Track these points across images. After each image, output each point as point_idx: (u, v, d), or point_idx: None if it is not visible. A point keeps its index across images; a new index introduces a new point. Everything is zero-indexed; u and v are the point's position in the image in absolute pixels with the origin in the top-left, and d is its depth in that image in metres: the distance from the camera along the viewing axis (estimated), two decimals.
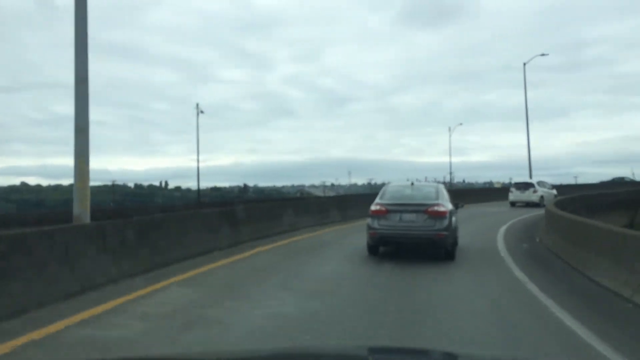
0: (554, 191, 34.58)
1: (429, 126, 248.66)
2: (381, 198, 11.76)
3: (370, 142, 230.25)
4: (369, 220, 11.49)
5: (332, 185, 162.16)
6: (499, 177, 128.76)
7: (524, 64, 43.21)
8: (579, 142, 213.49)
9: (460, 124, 63.78)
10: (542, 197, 31.18)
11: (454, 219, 11.36)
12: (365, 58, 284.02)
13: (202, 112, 53.85)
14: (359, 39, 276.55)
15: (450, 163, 78.68)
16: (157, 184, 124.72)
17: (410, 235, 11.06)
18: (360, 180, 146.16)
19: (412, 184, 12.38)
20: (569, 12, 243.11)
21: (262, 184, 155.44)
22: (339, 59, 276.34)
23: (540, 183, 34.00)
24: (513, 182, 36.30)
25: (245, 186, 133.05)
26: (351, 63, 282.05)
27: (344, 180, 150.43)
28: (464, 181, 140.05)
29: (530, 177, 32.85)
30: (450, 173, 69.23)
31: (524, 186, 33.09)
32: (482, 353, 4.70)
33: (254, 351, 4.17)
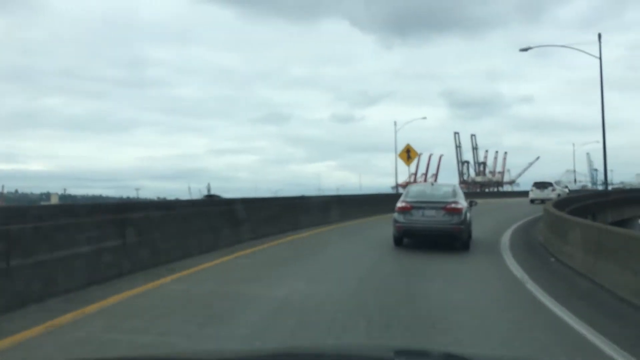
0: (567, 189, 40.80)
1: None
2: (405, 197, 13.79)
3: None
4: (395, 215, 13.45)
5: None
6: (57, 189, 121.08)
7: None
8: (142, 156, 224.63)
9: None
10: (559, 195, 34.70)
11: (468, 214, 13.57)
12: None
13: None
14: None
15: None
16: None
17: (431, 228, 13.12)
18: None
19: (432, 184, 14.67)
20: (134, 29, 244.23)
21: None
22: None
23: (557, 182, 39.78)
24: (533, 182, 40.94)
25: None
26: None
27: None
28: (16, 191, 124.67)
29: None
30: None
31: (544, 185, 38.40)
32: (486, 353, 4.84)
33: (256, 350, 4.26)
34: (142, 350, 5.06)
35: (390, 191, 55.26)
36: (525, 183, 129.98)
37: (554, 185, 39.26)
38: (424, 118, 47.87)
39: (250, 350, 4.48)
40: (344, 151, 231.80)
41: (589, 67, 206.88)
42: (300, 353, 3.00)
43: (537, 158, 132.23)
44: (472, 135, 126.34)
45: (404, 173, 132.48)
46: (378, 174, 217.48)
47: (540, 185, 39.20)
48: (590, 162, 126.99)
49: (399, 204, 13.50)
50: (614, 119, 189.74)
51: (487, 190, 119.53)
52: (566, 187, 44.35)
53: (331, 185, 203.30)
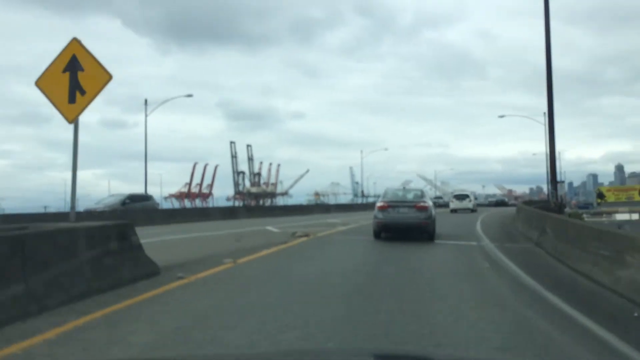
0: (476, 200, 50.73)
1: None
2: (383, 197, 16.54)
3: None
4: (375, 212, 16.05)
5: None
6: None
7: None
8: None
9: None
10: (474, 204, 45.44)
11: (433, 212, 16.46)
12: None
13: None
14: None
15: None
16: None
17: (404, 223, 15.82)
18: None
19: (404, 188, 17.39)
20: None
21: None
22: None
23: (471, 194, 47.09)
24: (454, 194, 48.82)
25: None
26: None
27: None
28: None
29: None
30: None
31: (463, 197, 44.88)
32: (465, 356, 4.76)
33: (251, 354, 4.10)
34: None
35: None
36: (296, 194, 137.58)
37: (471, 196, 48.01)
38: (190, 95, 46.20)
39: (245, 354, 4.33)
40: (115, 159, 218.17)
41: (353, 90, 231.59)
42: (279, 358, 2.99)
43: (307, 171, 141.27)
44: (248, 146, 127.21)
45: (178, 184, 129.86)
46: (151, 184, 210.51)
47: (459, 197, 46.59)
48: (352, 176, 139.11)
49: (379, 204, 16.21)
50: (371, 138, 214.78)
51: (262, 202, 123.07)
52: (476, 198, 56.36)
53: (98, 195, 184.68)
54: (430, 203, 16.67)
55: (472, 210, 43.19)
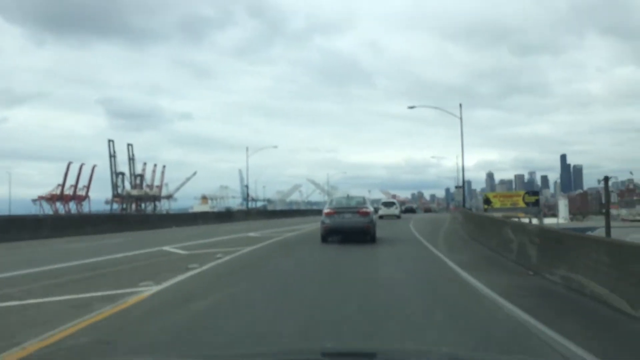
0: (400, 207, 52.80)
1: None
2: (329, 205, 17.35)
3: None
4: (322, 218, 16.61)
5: None
6: None
7: None
8: None
9: None
10: (400, 211, 49.57)
11: (374, 216, 17.43)
12: None
13: None
14: None
15: None
16: None
17: (349, 226, 16.46)
18: None
19: (348, 195, 18.06)
20: None
21: None
22: None
23: (397, 202, 51.44)
24: (382, 201, 51.84)
25: None
26: None
27: None
28: None
29: None
30: None
31: (390, 204, 47.92)
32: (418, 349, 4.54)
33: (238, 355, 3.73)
34: None
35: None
36: (183, 198, 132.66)
37: (397, 204, 52.29)
38: None
39: (228, 354, 3.97)
40: None
41: (243, 92, 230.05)
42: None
43: (194, 173, 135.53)
44: (129, 145, 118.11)
45: (50, 185, 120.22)
46: (21, 185, 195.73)
47: (387, 204, 49.56)
48: (242, 179, 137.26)
49: (326, 210, 16.87)
50: (261, 141, 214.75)
51: (144, 206, 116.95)
52: (402, 204, 63.27)
53: None
54: (371, 209, 17.58)
55: (397, 217, 45.53)
